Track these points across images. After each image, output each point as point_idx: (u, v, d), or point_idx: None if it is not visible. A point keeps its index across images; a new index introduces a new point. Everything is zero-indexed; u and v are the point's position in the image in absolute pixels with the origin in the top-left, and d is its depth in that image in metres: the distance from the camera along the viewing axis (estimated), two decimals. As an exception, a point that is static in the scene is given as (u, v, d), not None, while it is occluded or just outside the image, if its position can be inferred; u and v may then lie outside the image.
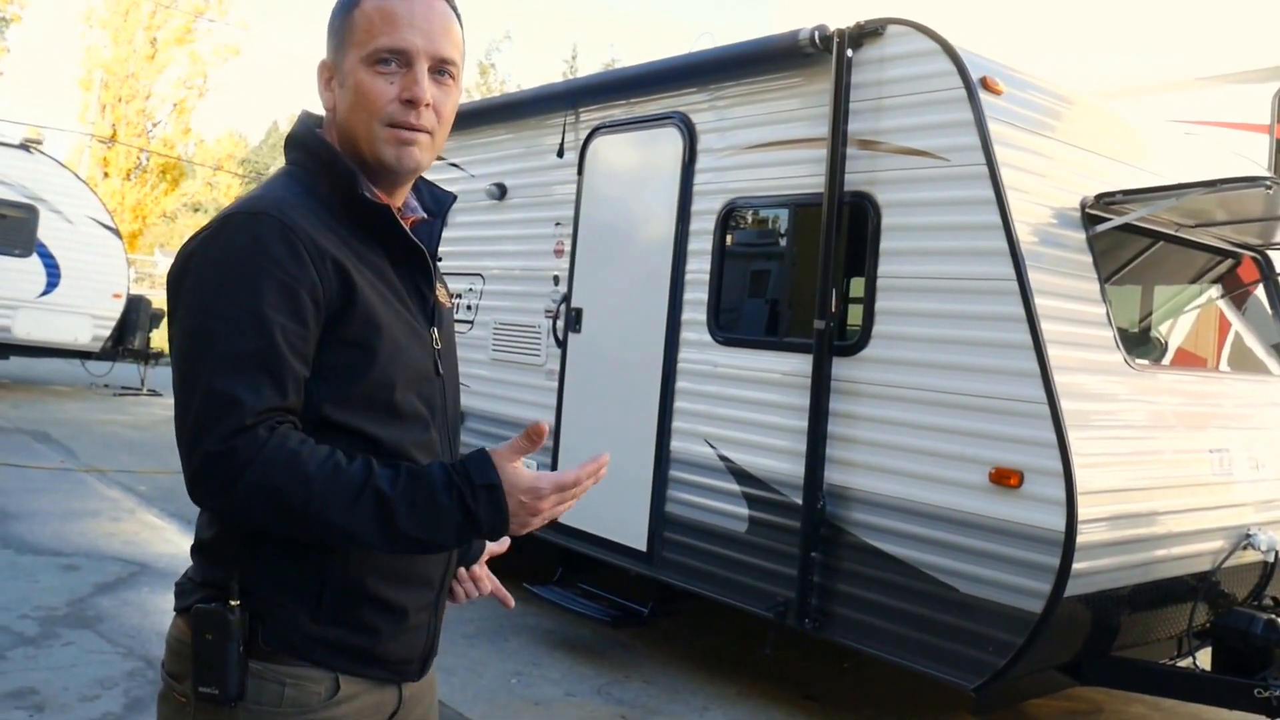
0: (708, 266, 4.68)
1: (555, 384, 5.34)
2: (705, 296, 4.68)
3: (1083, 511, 3.42)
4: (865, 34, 4.10)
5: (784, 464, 4.23)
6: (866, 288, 4.08)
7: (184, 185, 29.68)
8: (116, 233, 13.15)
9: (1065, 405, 3.48)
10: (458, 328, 6.08)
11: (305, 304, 1.32)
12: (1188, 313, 5.76)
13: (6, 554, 5.79)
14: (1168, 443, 4.03)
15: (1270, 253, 5.14)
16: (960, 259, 3.77)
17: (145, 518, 7.04)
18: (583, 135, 5.43)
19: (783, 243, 4.69)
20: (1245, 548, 4.16)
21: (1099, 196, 3.95)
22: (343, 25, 1.45)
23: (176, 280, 1.37)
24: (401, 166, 1.44)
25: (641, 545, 4.80)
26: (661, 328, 4.81)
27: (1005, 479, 3.56)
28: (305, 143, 1.49)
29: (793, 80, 4.41)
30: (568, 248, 5.43)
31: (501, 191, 5.98)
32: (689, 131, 4.83)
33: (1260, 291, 5.24)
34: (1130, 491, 3.71)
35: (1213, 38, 7.27)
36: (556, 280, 5.51)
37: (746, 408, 4.45)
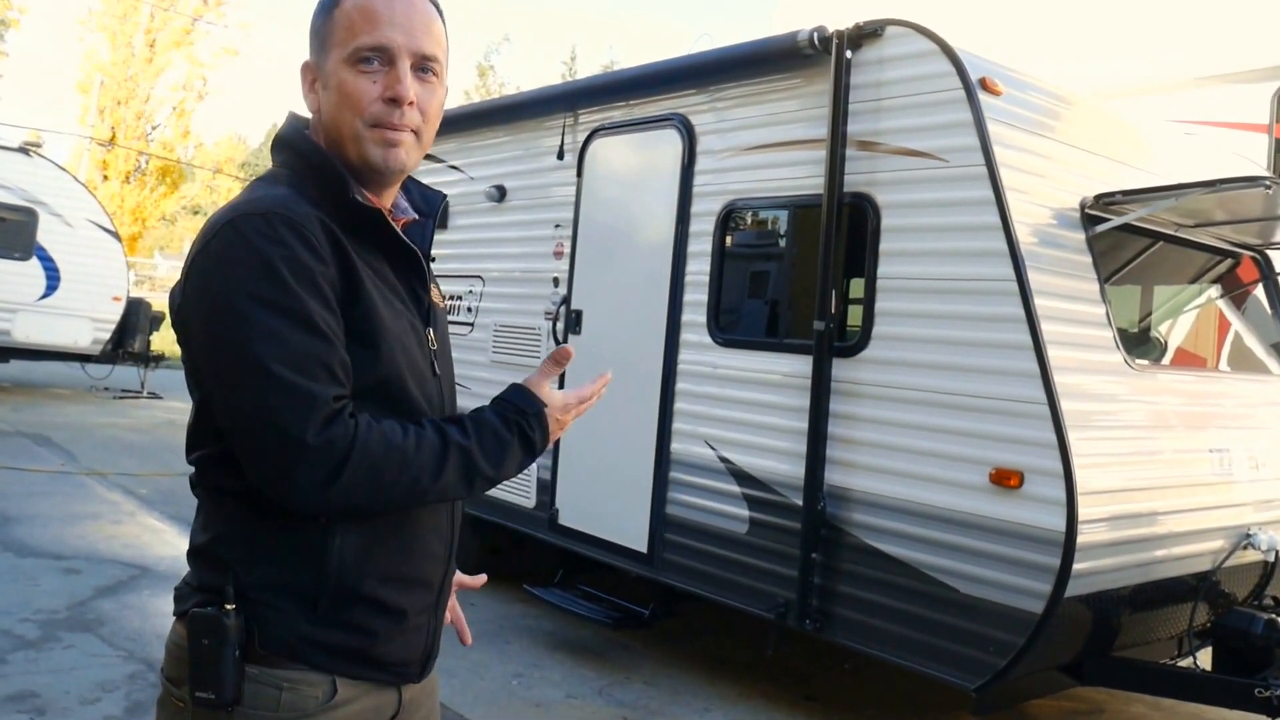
0: (707, 268, 4.68)
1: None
2: (705, 298, 4.68)
3: (1083, 512, 3.42)
4: (864, 35, 4.10)
5: (784, 465, 4.23)
6: (866, 289, 4.08)
7: (183, 188, 29.69)
8: (116, 236, 13.15)
9: (1065, 406, 3.48)
10: (458, 330, 6.10)
11: (330, 295, 1.34)
12: (1187, 313, 5.75)
13: (7, 557, 5.79)
14: (1168, 443, 4.03)
15: (1269, 252, 5.15)
16: (960, 260, 3.77)
17: (146, 521, 7.04)
18: (582, 137, 5.43)
19: (782, 244, 4.69)
20: (1245, 547, 4.16)
21: (1098, 197, 3.95)
22: (324, 26, 1.44)
23: (190, 292, 1.36)
24: (388, 167, 1.44)
25: (642, 547, 4.80)
26: (661, 329, 4.82)
27: (1005, 480, 3.56)
28: (294, 144, 1.48)
29: (792, 81, 4.41)
30: (567, 249, 5.43)
31: (501, 193, 5.98)
32: (688, 133, 4.83)
33: (1259, 291, 5.25)
34: (1130, 492, 3.71)
35: (1211, 38, 7.27)
36: (556, 282, 5.51)
37: (747, 409, 4.45)
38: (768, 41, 4.48)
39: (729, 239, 4.68)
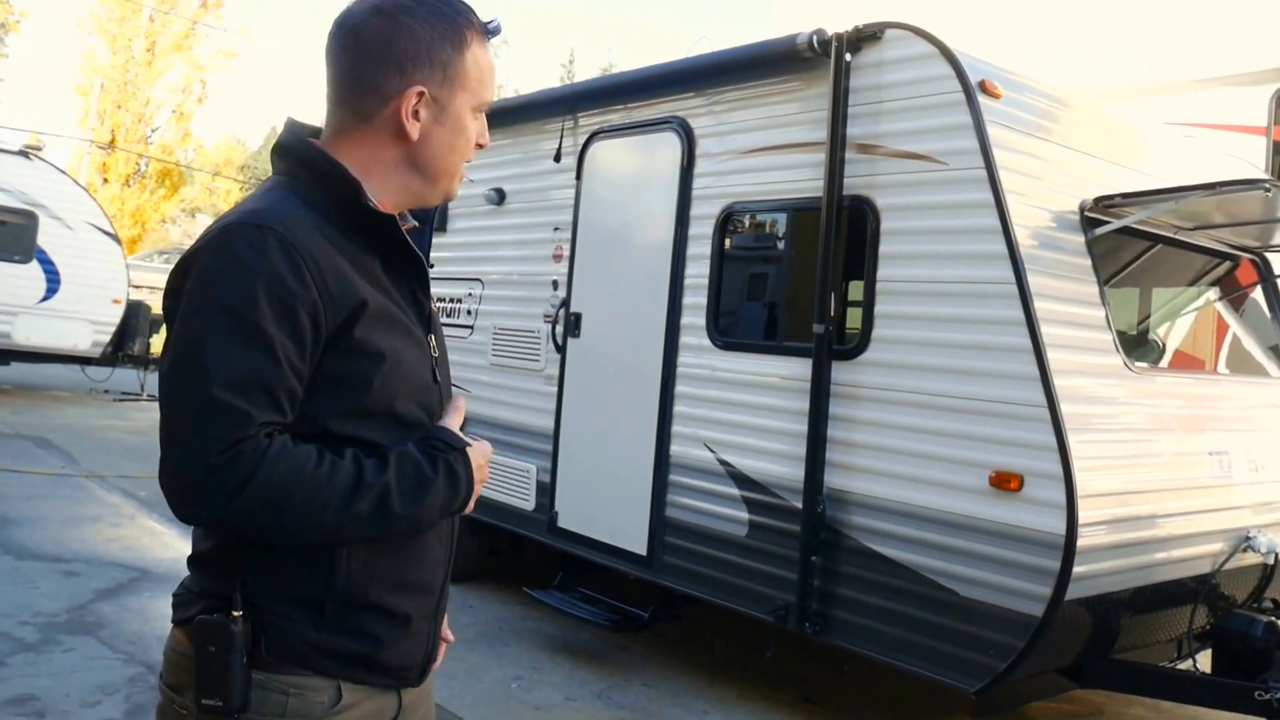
0: (707, 271, 4.68)
1: (555, 389, 5.34)
2: (704, 301, 4.68)
3: (1083, 515, 3.42)
4: (863, 38, 4.10)
5: (784, 468, 4.23)
6: (866, 291, 4.08)
7: (183, 191, 29.69)
8: (116, 238, 13.16)
9: (1065, 408, 3.48)
10: (458, 334, 6.10)
11: (304, 323, 1.32)
12: (1186, 315, 5.76)
13: (7, 560, 5.79)
14: (1167, 445, 4.03)
15: (1268, 255, 5.15)
16: (959, 262, 3.77)
17: (146, 523, 7.04)
18: (581, 140, 5.44)
19: (781, 247, 4.69)
20: (1245, 550, 4.16)
21: (1098, 199, 3.96)
22: (454, 64, 1.48)
23: (177, 288, 1.37)
24: (452, 198, 1.63)
25: (641, 549, 4.80)
26: (661, 332, 4.82)
27: (1005, 482, 3.56)
28: (298, 152, 1.48)
29: (791, 84, 4.42)
30: (566, 252, 5.43)
31: (500, 197, 5.98)
32: (687, 136, 4.84)
33: (1258, 293, 5.25)
34: (1130, 494, 3.71)
35: (1210, 40, 7.28)
36: (555, 285, 5.51)
37: (746, 412, 4.45)
38: (767, 44, 4.49)
39: (728, 242, 4.68)
